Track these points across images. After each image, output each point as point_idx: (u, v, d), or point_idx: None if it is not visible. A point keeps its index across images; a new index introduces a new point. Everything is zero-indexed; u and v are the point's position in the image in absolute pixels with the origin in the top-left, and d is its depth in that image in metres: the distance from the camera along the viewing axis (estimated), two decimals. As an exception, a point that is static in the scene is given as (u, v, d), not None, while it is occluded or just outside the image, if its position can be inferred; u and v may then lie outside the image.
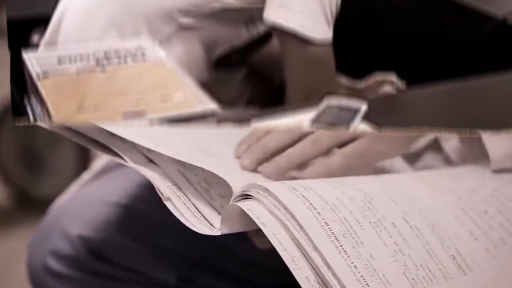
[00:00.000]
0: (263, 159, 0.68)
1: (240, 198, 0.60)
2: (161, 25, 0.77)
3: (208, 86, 0.75)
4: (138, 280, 0.84)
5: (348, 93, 0.83)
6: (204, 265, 0.85)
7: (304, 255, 0.56)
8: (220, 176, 0.62)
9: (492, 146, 0.70)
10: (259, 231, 0.57)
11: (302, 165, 0.68)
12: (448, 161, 0.77)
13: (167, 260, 0.84)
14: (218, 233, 0.60)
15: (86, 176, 0.94)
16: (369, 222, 0.59)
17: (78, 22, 0.78)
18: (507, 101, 0.77)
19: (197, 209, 0.63)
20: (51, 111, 0.70)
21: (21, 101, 0.75)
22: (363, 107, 0.72)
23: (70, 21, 0.78)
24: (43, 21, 0.79)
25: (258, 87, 0.84)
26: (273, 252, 0.56)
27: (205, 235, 0.60)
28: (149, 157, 0.66)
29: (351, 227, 0.58)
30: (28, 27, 0.78)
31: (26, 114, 0.74)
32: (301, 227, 0.56)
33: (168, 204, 0.63)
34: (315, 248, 0.56)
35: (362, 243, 0.57)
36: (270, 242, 0.56)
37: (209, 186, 0.65)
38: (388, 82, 0.83)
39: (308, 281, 0.55)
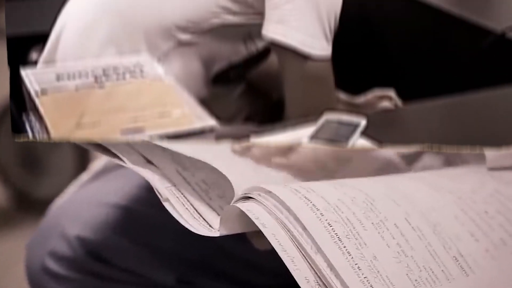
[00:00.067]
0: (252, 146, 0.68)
1: (240, 199, 0.60)
2: (159, 41, 0.77)
3: (207, 102, 0.75)
4: (137, 281, 0.84)
5: (346, 108, 0.82)
6: (203, 266, 0.85)
7: (304, 256, 0.56)
8: (225, 174, 0.62)
9: None
10: (258, 233, 0.57)
11: (289, 150, 0.68)
12: (448, 162, 0.76)
13: (166, 261, 0.84)
14: (217, 234, 0.60)
15: (84, 177, 0.94)
16: (372, 223, 0.59)
17: (76, 39, 0.78)
18: (506, 115, 0.77)
19: (196, 210, 0.63)
20: (50, 128, 0.70)
21: (19, 118, 0.75)
22: (362, 123, 0.72)
23: (68, 38, 0.78)
24: (41, 39, 0.79)
25: (256, 103, 0.84)
26: (272, 253, 0.56)
27: (204, 236, 0.60)
28: (148, 158, 0.67)
29: (354, 228, 0.58)
30: (27, 44, 0.79)
31: (25, 131, 0.74)
32: (304, 228, 0.56)
33: (166, 205, 0.63)
34: (318, 249, 0.56)
35: (365, 244, 0.57)
36: (269, 243, 0.56)
37: (207, 186, 0.65)
38: (387, 98, 0.83)
39: (308, 282, 0.55)
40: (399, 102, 0.82)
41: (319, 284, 0.55)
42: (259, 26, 0.76)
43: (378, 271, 0.56)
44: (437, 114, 0.77)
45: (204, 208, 0.63)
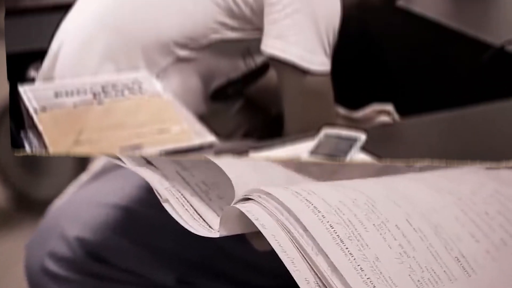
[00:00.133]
0: None
1: (240, 201, 0.60)
2: (158, 57, 0.77)
3: (205, 118, 0.75)
4: (137, 282, 0.84)
5: (345, 123, 0.82)
6: (203, 267, 0.85)
7: (304, 257, 0.56)
8: (228, 174, 0.62)
9: None
10: (257, 233, 0.57)
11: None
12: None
13: (165, 262, 0.84)
14: (217, 235, 0.60)
15: (84, 177, 0.94)
16: (373, 224, 0.59)
17: (74, 56, 0.78)
18: (506, 129, 0.77)
19: (196, 211, 0.63)
20: (48, 145, 0.70)
21: (18, 135, 0.75)
22: (362, 138, 0.72)
23: (66, 55, 0.78)
24: (39, 56, 0.79)
25: (255, 119, 0.84)
26: (272, 254, 0.56)
27: (203, 237, 0.60)
28: (147, 159, 0.66)
29: (355, 229, 0.58)
30: (25, 61, 0.79)
31: (24, 146, 0.74)
32: (305, 229, 0.56)
33: (166, 205, 0.63)
34: (319, 251, 0.56)
35: (367, 245, 0.57)
36: (269, 244, 0.56)
37: (207, 187, 0.65)
38: (385, 112, 0.83)
39: (308, 283, 0.55)
40: (396, 116, 0.82)
41: (319, 285, 0.55)
42: (258, 41, 0.76)
43: (380, 272, 0.56)
44: (437, 128, 0.77)
45: (204, 209, 0.63)
